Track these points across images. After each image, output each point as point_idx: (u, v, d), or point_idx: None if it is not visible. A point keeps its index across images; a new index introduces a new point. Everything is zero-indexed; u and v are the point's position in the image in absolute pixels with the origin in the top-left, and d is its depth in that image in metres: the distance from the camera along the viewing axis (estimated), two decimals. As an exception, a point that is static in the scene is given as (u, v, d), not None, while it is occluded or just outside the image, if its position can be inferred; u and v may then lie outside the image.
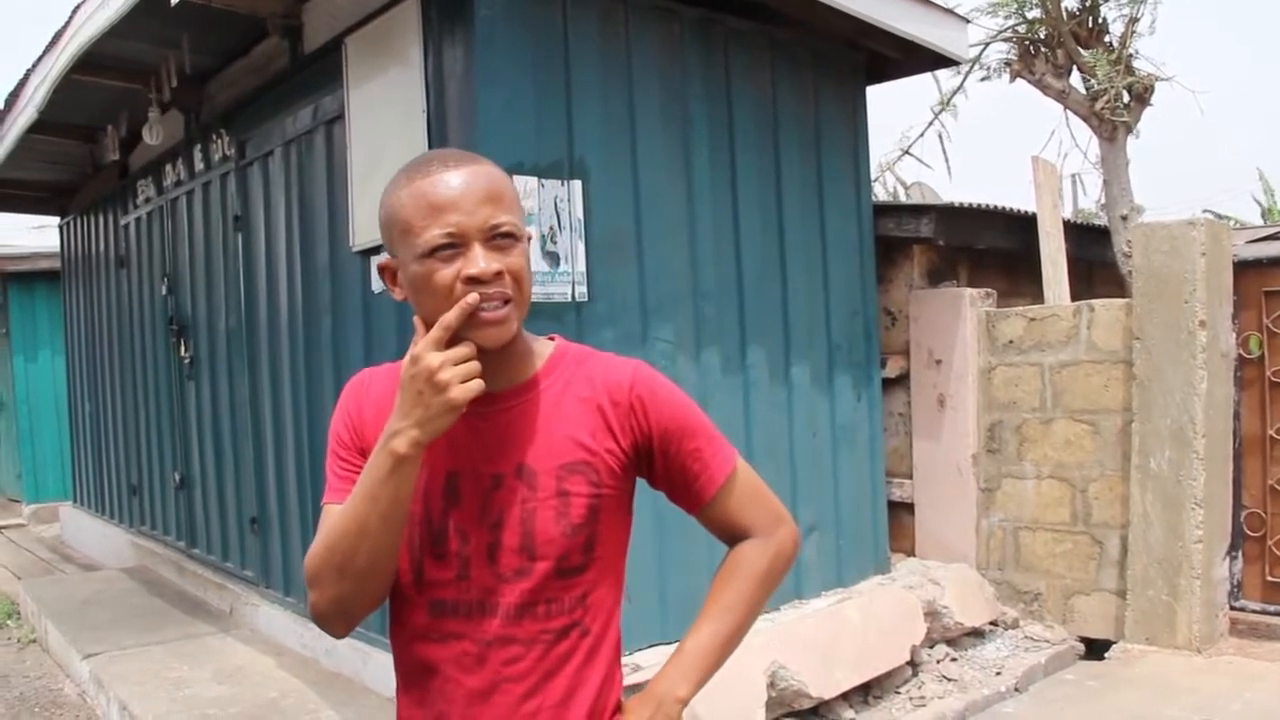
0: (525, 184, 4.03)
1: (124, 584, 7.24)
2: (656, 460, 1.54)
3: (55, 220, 10.02)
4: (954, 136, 7.48)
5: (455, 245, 1.40)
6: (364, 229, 4.62)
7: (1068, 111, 6.67)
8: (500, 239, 1.42)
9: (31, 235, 12.35)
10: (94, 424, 9.13)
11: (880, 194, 7.83)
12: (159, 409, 7.40)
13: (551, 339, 1.62)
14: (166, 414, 7.23)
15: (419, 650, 1.54)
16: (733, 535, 1.63)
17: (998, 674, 5.00)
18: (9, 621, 7.16)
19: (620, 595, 1.61)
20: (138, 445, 7.92)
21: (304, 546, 5.34)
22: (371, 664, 4.35)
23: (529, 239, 1.49)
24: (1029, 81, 6.59)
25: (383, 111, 4.47)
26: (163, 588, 7.00)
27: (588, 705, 1.54)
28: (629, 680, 4.01)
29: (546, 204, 4.09)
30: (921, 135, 7.46)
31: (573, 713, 1.52)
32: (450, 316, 1.35)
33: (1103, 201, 6.95)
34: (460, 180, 1.41)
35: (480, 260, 1.39)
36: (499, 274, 1.40)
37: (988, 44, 6.79)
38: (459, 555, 1.50)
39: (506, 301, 1.42)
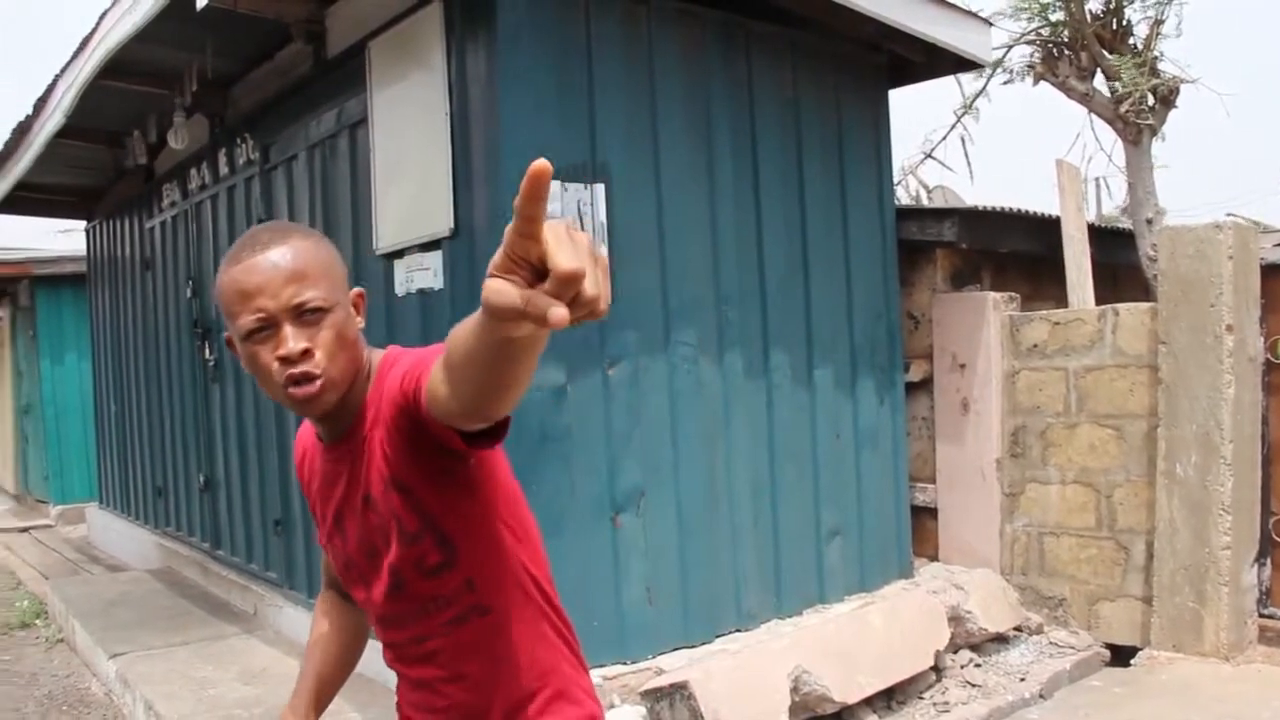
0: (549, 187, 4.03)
1: (149, 585, 7.29)
2: (407, 427, 1.48)
3: (81, 224, 10.12)
4: (977, 140, 7.43)
5: (266, 328, 1.48)
6: (387, 232, 4.64)
7: (1092, 114, 6.62)
8: (308, 315, 1.48)
9: (58, 239, 12.47)
10: (119, 426, 9.19)
11: (903, 197, 7.80)
12: (183, 411, 7.44)
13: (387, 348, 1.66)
14: (191, 417, 7.27)
15: (383, 652, 1.75)
16: (444, 409, 1.37)
17: (1022, 680, 4.97)
18: (37, 621, 7.23)
19: (516, 561, 1.62)
20: (162, 447, 7.97)
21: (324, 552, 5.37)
22: (380, 656, 4.39)
23: (355, 298, 1.58)
24: (1052, 84, 6.55)
25: (406, 115, 4.48)
26: (187, 589, 7.05)
27: (512, 671, 1.62)
28: (651, 684, 4.03)
29: (569, 207, 4.10)
30: (944, 139, 7.41)
31: (500, 679, 1.62)
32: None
33: (1127, 205, 6.90)
34: (265, 263, 1.48)
35: (289, 340, 1.47)
36: (306, 352, 1.47)
37: (1011, 47, 6.75)
38: (359, 579, 1.69)
39: (314, 377, 1.49)
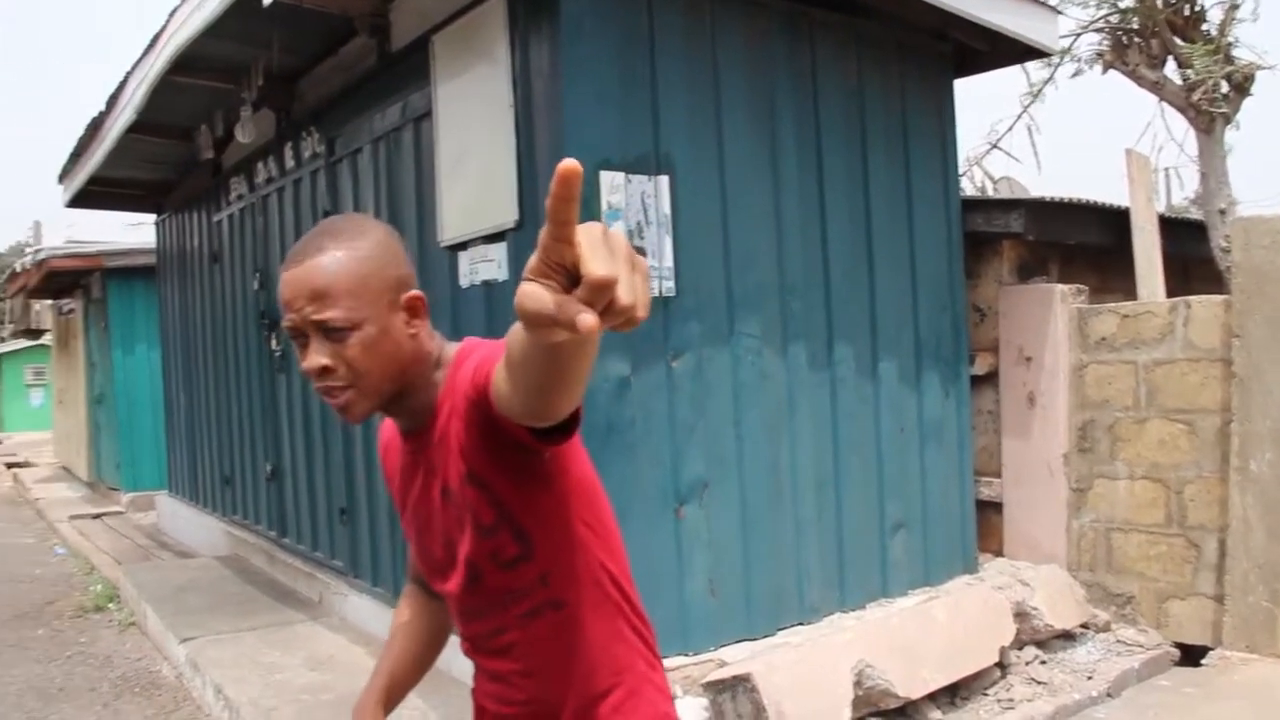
0: (612, 179, 4.04)
1: (217, 571, 7.42)
2: (480, 420, 1.47)
3: (151, 217, 10.30)
4: (1043, 130, 7.32)
5: (299, 337, 1.52)
6: (451, 224, 4.67)
7: (1163, 103, 6.50)
8: (331, 332, 1.49)
9: (128, 232, 12.70)
10: (188, 415, 9.37)
11: (968, 188, 7.71)
12: (251, 401, 7.56)
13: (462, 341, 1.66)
14: (258, 406, 7.39)
15: (461, 643, 1.75)
16: (507, 404, 1.37)
17: (1089, 678, 4.89)
18: (110, 605, 7.39)
19: (593, 556, 1.62)
20: (230, 437, 8.11)
21: (391, 537, 5.44)
22: (459, 655, 4.43)
23: (410, 301, 1.56)
24: (1122, 73, 6.43)
25: (470, 108, 4.51)
26: (254, 575, 7.17)
27: (586, 667, 1.61)
28: (714, 676, 4.03)
29: (634, 199, 4.10)
30: (1010, 129, 7.32)
31: (574, 675, 1.61)
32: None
33: (1199, 195, 6.76)
34: (295, 278, 1.50)
35: (310, 356, 1.50)
36: (325, 369, 1.50)
37: (1079, 35, 6.65)
38: (438, 571, 1.70)
39: (341, 389, 1.51)
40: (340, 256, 1.51)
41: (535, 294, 0.93)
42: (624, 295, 0.91)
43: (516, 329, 1.11)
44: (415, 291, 1.59)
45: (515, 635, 1.62)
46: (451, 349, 1.63)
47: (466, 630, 1.71)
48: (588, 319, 0.90)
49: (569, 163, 0.89)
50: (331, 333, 1.49)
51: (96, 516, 11.57)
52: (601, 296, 0.91)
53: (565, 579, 1.59)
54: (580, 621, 1.61)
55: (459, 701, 4.14)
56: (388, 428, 1.82)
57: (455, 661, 1.91)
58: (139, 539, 9.92)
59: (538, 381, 1.14)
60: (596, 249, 0.92)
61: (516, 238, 4.28)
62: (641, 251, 4.11)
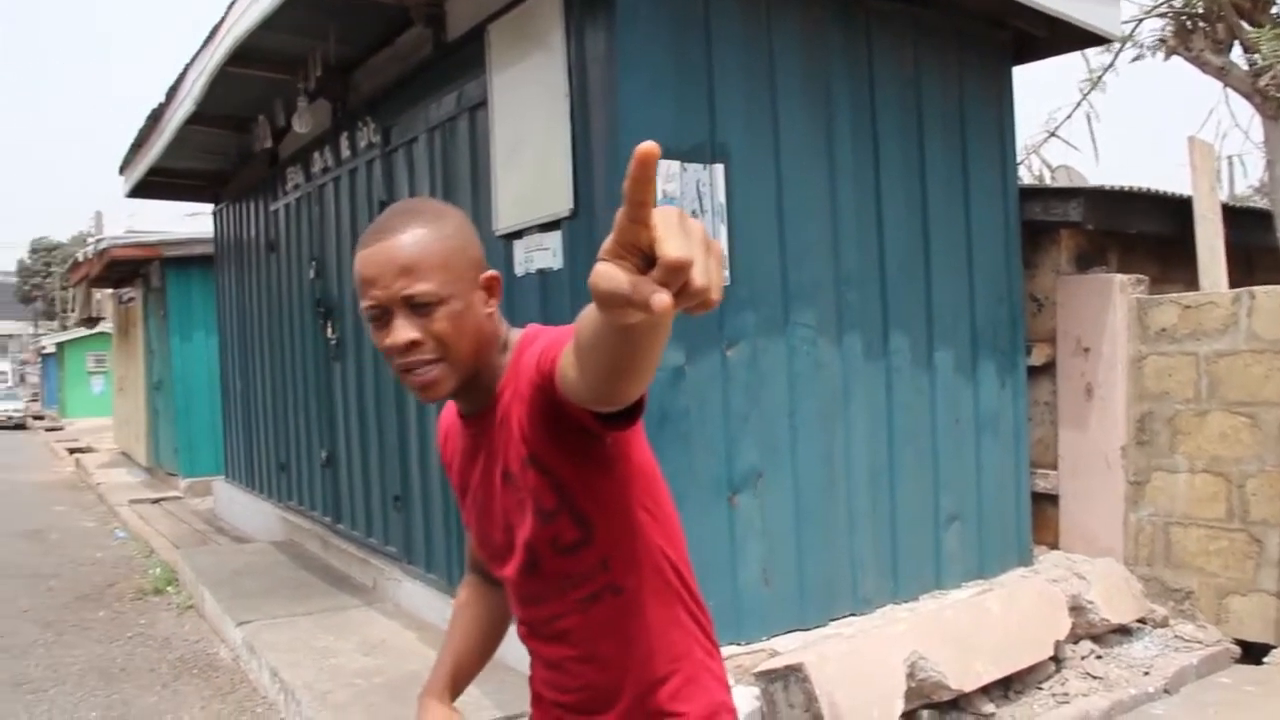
0: (668, 168, 4.04)
1: (273, 556, 7.53)
2: (543, 405, 1.47)
3: (208, 207, 10.44)
4: (1103, 117, 7.20)
5: (381, 315, 1.50)
6: (506, 213, 4.69)
7: (1227, 89, 6.38)
8: (420, 307, 1.49)
9: (185, 222, 12.89)
10: (244, 402, 9.49)
11: (1025, 177, 7.61)
12: (306, 389, 7.65)
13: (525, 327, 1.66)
14: (313, 394, 7.47)
15: (518, 628, 1.76)
16: (574, 389, 1.35)
17: (1146, 674, 4.84)
18: (169, 588, 7.52)
19: (652, 542, 1.61)
20: (286, 423, 8.21)
21: (445, 524, 5.48)
22: (512, 642, 4.46)
23: (488, 281, 1.57)
24: (1185, 59, 6.32)
25: (525, 96, 4.52)
26: (309, 561, 7.26)
27: (644, 653, 1.61)
28: (766, 665, 4.02)
29: (689, 187, 4.09)
30: (1069, 116, 7.22)
31: (632, 661, 1.61)
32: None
33: (1265, 183, 6.62)
34: (380, 255, 1.49)
35: (396, 331, 1.49)
36: (415, 343, 1.49)
37: (1141, 20, 6.54)
38: (496, 555, 1.70)
39: (429, 364, 1.51)
40: (426, 233, 1.52)
41: (610, 274, 0.94)
42: (699, 277, 0.91)
43: (589, 312, 1.11)
44: (492, 271, 1.60)
45: (573, 621, 1.62)
46: (515, 334, 1.64)
47: (524, 615, 1.72)
48: (662, 299, 0.90)
49: (648, 144, 0.89)
50: (419, 307, 1.49)
51: (155, 501, 11.78)
52: (677, 278, 0.91)
53: (625, 564, 1.59)
54: (639, 607, 1.60)
55: (513, 689, 4.17)
56: (447, 414, 1.82)
57: (509, 649, 1.92)
58: (196, 524, 10.08)
59: (608, 365, 1.14)
60: (672, 231, 0.91)
61: (571, 226, 4.30)
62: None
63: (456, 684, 1.86)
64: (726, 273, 4.21)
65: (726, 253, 4.21)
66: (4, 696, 5.26)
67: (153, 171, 8.68)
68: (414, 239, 1.50)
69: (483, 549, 1.75)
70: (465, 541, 1.94)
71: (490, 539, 1.70)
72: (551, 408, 1.44)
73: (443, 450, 1.84)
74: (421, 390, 1.53)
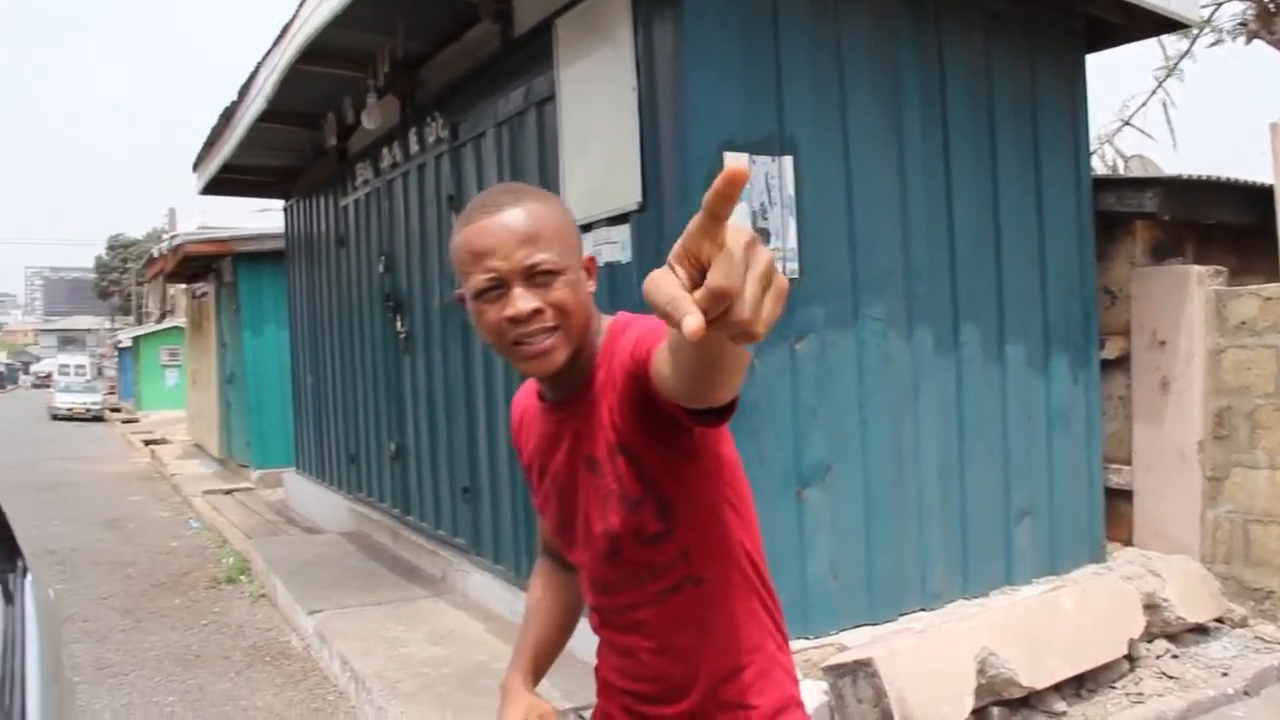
0: (736, 160, 4.03)
1: (343, 547, 7.64)
2: (635, 392, 1.48)
3: (279, 203, 10.60)
4: (1179, 105, 7.05)
5: (497, 287, 1.49)
6: (575, 206, 4.70)
7: (1311, 75, 6.21)
8: (540, 276, 1.49)
9: (256, 218, 13.11)
10: (315, 395, 9.64)
11: (1098, 167, 7.48)
12: (376, 382, 7.74)
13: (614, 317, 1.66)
14: (383, 386, 7.56)
15: (590, 616, 1.77)
16: (666, 386, 1.35)
17: (1224, 675, 4.73)
18: (242, 577, 7.66)
19: (733, 534, 1.61)
20: (355, 416, 8.32)
21: (513, 516, 5.52)
22: (580, 633, 4.49)
23: (587, 263, 1.58)
24: (1267, 42, 6.16)
25: (593, 91, 4.54)
26: (378, 552, 7.36)
27: (719, 645, 1.61)
28: (834, 660, 4.00)
29: (757, 180, 4.08)
30: (1144, 105, 7.07)
31: (706, 653, 1.61)
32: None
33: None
34: (498, 225, 1.49)
35: (518, 300, 1.48)
36: (537, 311, 1.48)
37: (1220, 4, 6.39)
38: (575, 542, 1.69)
39: (548, 333, 1.50)
40: (540, 206, 1.53)
41: (658, 283, 0.93)
42: (742, 311, 0.91)
43: None
44: (590, 254, 1.62)
45: (651, 611, 1.62)
46: (605, 320, 1.63)
47: (599, 603, 1.71)
48: (691, 323, 0.89)
49: (739, 166, 0.88)
50: (540, 276, 1.49)
51: (228, 492, 12.01)
52: (716, 304, 0.90)
53: (706, 555, 1.59)
54: (717, 599, 1.60)
55: (579, 679, 4.20)
56: (523, 397, 1.82)
57: (574, 638, 1.92)
58: (268, 514, 10.26)
59: (690, 368, 1.14)
60: (730, 258, 0.90)
61: (639, 220, 4.30)
62: (765, 235, 4.09)
63: (537, 670, 1.87)
64: (794, 265, 4.19)
65: (795, 245, 4.19)
66: (88, 680, 5.39)
67: (225, 169, 8.83)
68: (530, 211, 1.51)
69: (560, 536, 1.74)
70: (538, 527, 1.94)
71: (570, 526, 1.69)
72: (643, 397, 1.44)
73: (516, 436, 1.84)
74: (535, 360, 1.52)
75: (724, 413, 1.35)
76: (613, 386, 1.53)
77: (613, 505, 1.57)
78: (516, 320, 1.49)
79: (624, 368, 1.48)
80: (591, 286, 1.59)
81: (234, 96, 7.60)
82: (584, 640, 1.82)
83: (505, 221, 1.50)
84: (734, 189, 0.89)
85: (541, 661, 1.88)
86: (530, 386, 1.77)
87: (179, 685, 5.41)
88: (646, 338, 1.42)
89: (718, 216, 0.90)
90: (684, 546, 1.57)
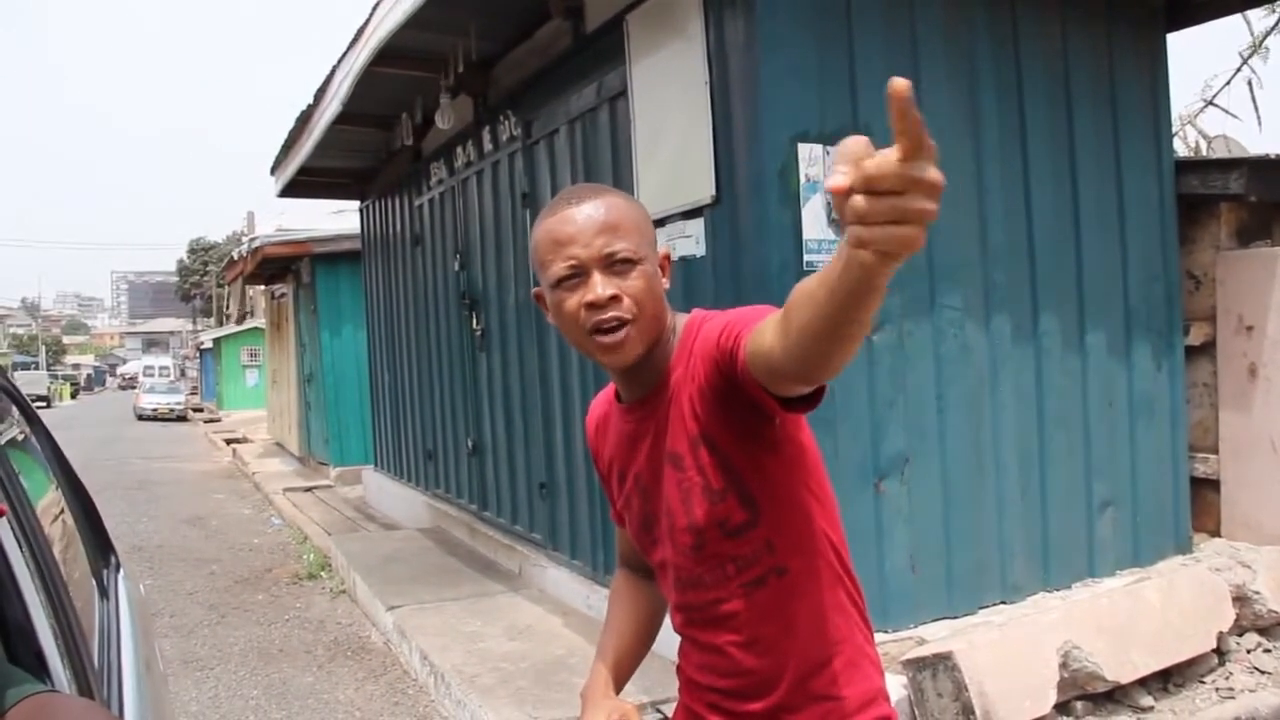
0: (810, 151, 4.01)
1: (421, 543, 7.74)
2: (720, 385, 1.49)
3: (354, 205, 10.76)
4: (1265, 83, 6.86)
5: (577, 275, 1.54)
6: (648, 201, 4.71)
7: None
8: (618, 265, 1.53)
9: (332, 219, 13.32)
10: (392, 393, 9.77)
11: (1179, 149, 7.31)
12: (452, 379, 7.83)
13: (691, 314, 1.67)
14: (459, 384, 7.65)
15: (673, 616, 1.76)
16: (767, 364, 1.36)
17: (1319, 668, 4.62)
18: (322, 573, 7.81)
19: (816, 523, 1.62)
20: (432, 413, 8.42)
21: (590, 511, 5.55)
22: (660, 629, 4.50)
23: (662, 259, 1.62)
24: (1357, 19, 5.97)
25: (665, 85, 4.54)
26: (455, 547, 7.45)
27: (805, 635, 1.61)
28: (914, 653, 3.97)
29: (832, 170, 4.05)
30: (1228, 84, 6.89)
31: (794, 645, 1.61)
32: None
33: None
34: (579, 215, 1.55)
35: (598, 287, 1.52)
36: (614, 298, 1.52)
37: (1307, -20, 6.20)
38: (659, 540, 1.69)
39: (623, 324, 1.53)
40: (619, 200, 1.59)
41: (852, 146, 0.96)
42: (857, 205, 0.94)
43: (806, 281, 1.15)
44: (665, 250, 1.65)
45: (737, 604, 1.61)
46: (681, 318, 1.66)
47: (684, 600, 1.70)
48: (836, 178, 0.95)
49: (898, 83, 0.89)
50: (619, 265, 1.53)
51: (308, 490, 12.23)
52: (841, 198, 0.95)
53: (791, 546, 1.59)
54: (804, 590, 1.61)
55: (658, 674, 4.21)
56: (599, 405, 1.85)
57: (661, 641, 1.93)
58: (347, 511, 10.43)
59: (821, 330, 1.14)
60: (872, 160, 0.93)
61: (713, 213, 4.30)
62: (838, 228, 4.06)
63: (618, 677, 1.85)
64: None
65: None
66: (176, 673, 5.54)
67: (301, 171, 8.99)
68: (609, 204, 1.57)
69: (643, 536, 1.75)
70: (616, 535, 1.94)
71: (653, 524, 1.71)
72: (727, 385, 1.46)
73: (593, 442, 1.87)
74: (611, 351, 1.55)
75: (814, 398, 1.37)
76: (693, 379, 1.55)
77: (697, 498, 1.58)
78: (595, 305, 1.52)
79: (707, 356, 1.50)
80: (666, 284, 1.61)
81: (310, 100, 7.73)
82: (665, 637, 1.83)
83: (586, 211, 1.55)
84: (902, 103, 0.89)
85: (623, 670, 1.87)
86: (606, 394, 1.81)
87: (263, 679, 5.54)
88: (736, 324, 1.43)
89: (901, 130, 0.90)
90: (768, 537, 1.58)
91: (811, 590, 1.61)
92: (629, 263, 1.53)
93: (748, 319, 1.41)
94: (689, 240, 4.44)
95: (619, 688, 1.84)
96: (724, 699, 1.68)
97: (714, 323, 1.52)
